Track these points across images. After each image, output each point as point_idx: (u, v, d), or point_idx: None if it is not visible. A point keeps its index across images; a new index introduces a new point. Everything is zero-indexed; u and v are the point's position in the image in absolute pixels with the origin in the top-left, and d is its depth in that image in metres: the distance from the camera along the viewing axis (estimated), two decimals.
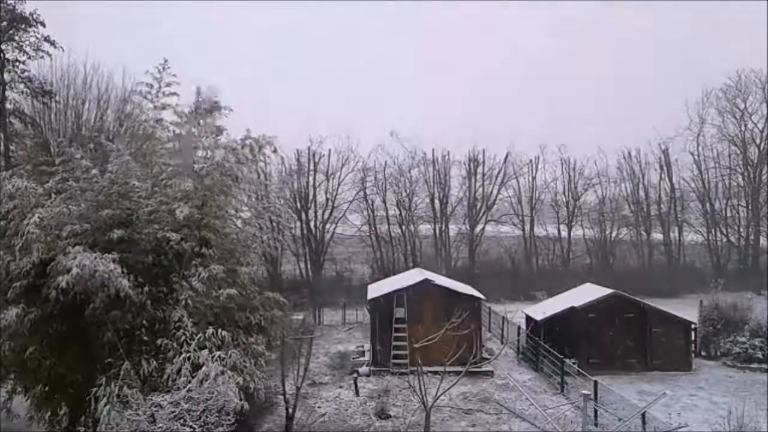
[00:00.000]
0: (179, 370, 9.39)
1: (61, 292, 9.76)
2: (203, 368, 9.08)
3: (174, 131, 13.24)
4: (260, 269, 13.61)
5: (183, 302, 10.45)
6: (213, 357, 9.29)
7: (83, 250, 10.15)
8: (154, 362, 10.02)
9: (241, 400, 9.16)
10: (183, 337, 9.95)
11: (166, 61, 13.07)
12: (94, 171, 11.49)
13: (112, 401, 9.10)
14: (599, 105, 72.09)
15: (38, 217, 10.40)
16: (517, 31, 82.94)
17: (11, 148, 25.17)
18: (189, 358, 9.55)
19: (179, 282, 10.98)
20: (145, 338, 10.42)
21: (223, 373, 9.12)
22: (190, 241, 11.30)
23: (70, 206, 11.09)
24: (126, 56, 50.73)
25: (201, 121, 12.95)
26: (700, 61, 62.14)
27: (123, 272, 9.99)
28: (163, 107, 13.15)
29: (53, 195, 11.61)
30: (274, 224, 13.99)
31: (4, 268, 10.74)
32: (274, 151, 12.97)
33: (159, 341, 10.16)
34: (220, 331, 10.11)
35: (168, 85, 13.08)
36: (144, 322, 10.50)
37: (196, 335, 9.89)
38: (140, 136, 14.38)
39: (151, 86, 13.12)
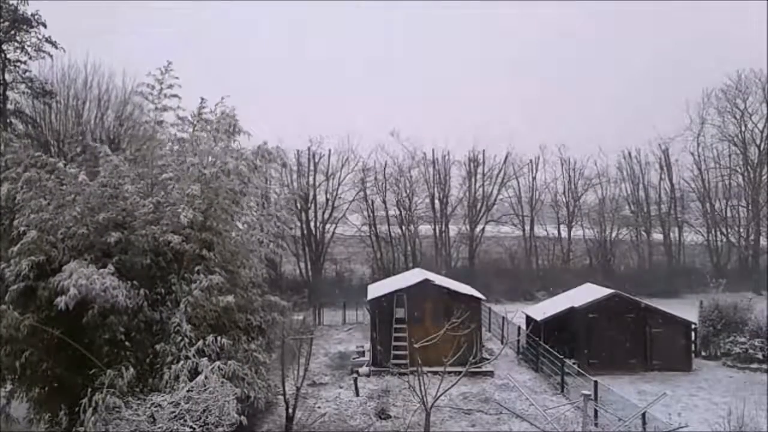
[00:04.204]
0: (177, 376, 9.37)
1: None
2: (201, 377, 9.05)
3: (176, 135, 13.25)
4: (261, 271, 13.62)
5: (183, 309, 10.44)
6: (212, 368, 9.25)
7: (80, 258, 10.17)
8: (145, 367, 10.02)
9: (239, 414, 9.16)
10: (182, 343, 9.94)
11: (169, 63, 13.07)
12: (81, 177, 11.34)
13: (100, 410, 9.05)
14: (599, 105, 72.11)
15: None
16: (517, 32, 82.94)
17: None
18: (187, 364, 9.53)
19: (178, 284, 10.98)
20: (142, 341, 10.43)
21: (222, 384, 9.12)
22: (191, 243, 11.31)
23: (63, 211, 11.07)
24: (118, 55, 50.72)
25: (216, 128, 12.99)
26: (700, 61, 62.19)
27: (119, 284, 9.98)
28: (165, 109, 13.15)
29: (51, 194, 11.60)
30: (279, 230, 14.03)
31: None
32: (284, 165, 13.23)
33: (158, 346, 10.16)
34: (219, 338, 10.10)
35: (170, 86, 13.07)
36: (140, 324, 10.50)
37: (196, 341, 9.87)
38: (140, 137, 14.39)
39: (153, 87, 13.11)
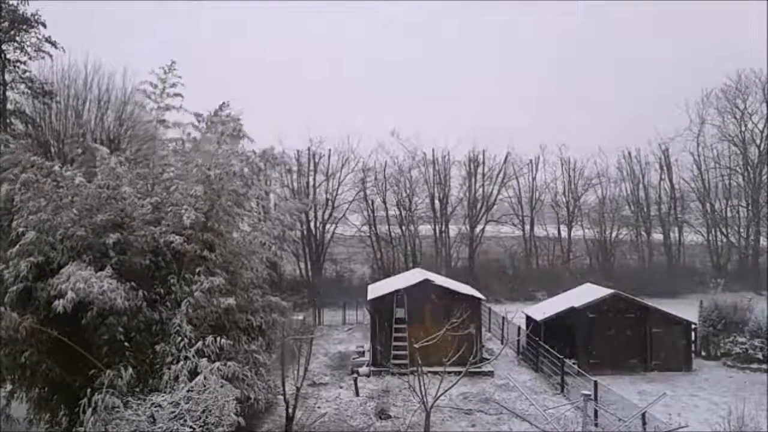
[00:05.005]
0: (177, 377, 9.36)
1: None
2: (201, 377, 9.03)
3: (190, 134, 13.25)
4: (262, 273, 13.63)
5: (185, 310, 10.42)
6: (212, 369, 9.22)
7: (79, 259, 10.15)
8: (145, 368, 9.99)
9: (237, 415, 9.15)
10: (182, 343, 9.93)
11: (173, 62, 13.05)
12: (78, 179, 11.28)
13: (99, 410, 9.03)
14: (599, 105, 72.12)
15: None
16: (517, 32, 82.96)
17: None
18: (187, 365, 9.51)
19: (178, 284, 10.96)
20: (141, 341, 10.41)
21: (222, 386, 9.10)
22: (193, 243, 11.30)
23: (61, 212, 11.05)
24: (118, 55, 50.74)
25: (221, 131, 13.00)
26: (700, 61, 62.21)
27: (117, 286, 9.96)
28: (167, 108, 13.12)
29: (49, 196, 11.57)
30: (281, 233, 14.03)
31: None
32: (289, 170, 13.27)
33: (158, 347, 10.14)
34: (219, 339, 10.09)
35: (173, 86, 13.05)
36: (140, 325, 10.48)
37: (195, 342, 9.85)
38: (141, 137, 14.37)
39: (155, 86, 13.08)
